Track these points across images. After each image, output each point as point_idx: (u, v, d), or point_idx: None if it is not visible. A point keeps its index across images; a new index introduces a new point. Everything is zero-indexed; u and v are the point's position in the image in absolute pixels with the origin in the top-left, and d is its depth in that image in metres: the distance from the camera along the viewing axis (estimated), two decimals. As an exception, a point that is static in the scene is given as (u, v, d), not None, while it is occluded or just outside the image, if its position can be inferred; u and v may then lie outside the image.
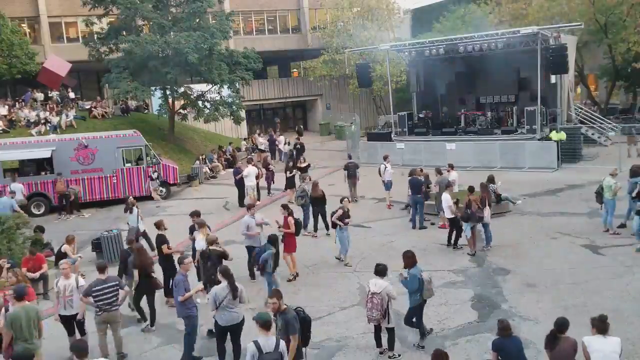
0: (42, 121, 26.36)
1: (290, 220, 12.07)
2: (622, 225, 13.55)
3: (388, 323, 8.38)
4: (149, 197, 21.58)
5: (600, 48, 31.15)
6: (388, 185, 17.81)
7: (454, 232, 13.31)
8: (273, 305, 7.04)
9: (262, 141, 31.02)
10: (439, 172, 15.81)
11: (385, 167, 17.86)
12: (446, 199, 13.15)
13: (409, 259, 8.62)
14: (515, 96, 26.26)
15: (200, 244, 10.91)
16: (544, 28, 23.27)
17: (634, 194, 12.84)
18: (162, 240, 11.28)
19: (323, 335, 9.36)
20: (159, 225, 11.51)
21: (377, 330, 8.56)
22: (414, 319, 8.74)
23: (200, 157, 26.83)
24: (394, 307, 8.62)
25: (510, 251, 12.83)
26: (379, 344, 8.65)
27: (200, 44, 25.26)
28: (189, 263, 9.17)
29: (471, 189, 12.94)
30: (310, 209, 15.42)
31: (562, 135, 22.20)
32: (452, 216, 13.10)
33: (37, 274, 12.00)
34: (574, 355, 6.29)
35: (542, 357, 7.34)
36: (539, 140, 22.57)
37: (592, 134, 25.91)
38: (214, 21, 28.19)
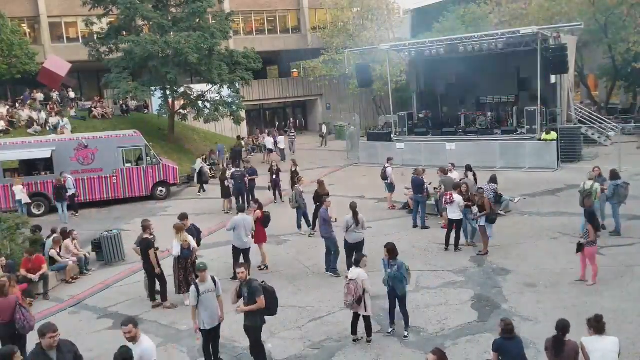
0: (42, 122, 26.34)
1: (258, 212, 12.78)
2: (602, 227, 13.55)
3: (365, 311, 8.68)
4: (150, 197, 21.65)
5: (600, 48, 31.14)
6: (391, 187, 17.80)
7: (453, 234, 13.23)
8: (241, 275, 7.89)
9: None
10: (443, 172, 15.76)
11: (389, 169, 17.85)
12: (458, 199, 13.00)
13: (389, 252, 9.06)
14: (515, 96, 26.26)
15: (176, 248, 10.78)
16: (544, 28, 23.25)
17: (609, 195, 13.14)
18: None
19: (323, 335, 9.36)
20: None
21: (355, 318, 8.91)
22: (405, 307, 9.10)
23: (201, 157, 26.77)
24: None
25: (510, 251, 12.82)
26: (354, 331, 8.99)
27: (200, 44, 25.27)
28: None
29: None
30: (301, 211, 15.66)
31: (553, 136, 22.16)
32: (459, 218, 13.01)
33: (37, 276, 12.01)
34: (577, 358, 6.28)
35: (542, 358, 7.34)
36: (537, 140, 22.57)
37: (592, 134, 25.92)
38: (214, 21, 28.20)
